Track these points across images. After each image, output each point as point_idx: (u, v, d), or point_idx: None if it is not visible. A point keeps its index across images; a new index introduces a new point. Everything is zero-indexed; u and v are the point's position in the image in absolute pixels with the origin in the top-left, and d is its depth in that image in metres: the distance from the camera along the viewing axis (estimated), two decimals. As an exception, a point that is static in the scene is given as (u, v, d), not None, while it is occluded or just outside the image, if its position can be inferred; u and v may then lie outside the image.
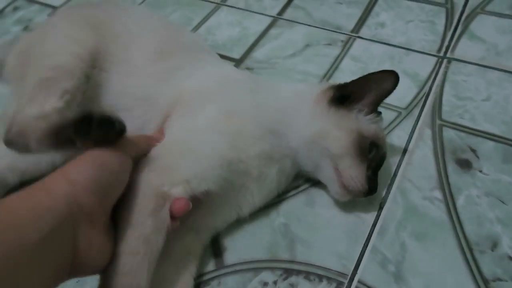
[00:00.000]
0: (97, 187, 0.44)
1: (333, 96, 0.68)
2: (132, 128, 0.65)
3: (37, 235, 0.37)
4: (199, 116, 0.63)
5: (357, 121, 0.68)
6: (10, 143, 0.63)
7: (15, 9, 1.25)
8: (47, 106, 0.62)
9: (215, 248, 0.68)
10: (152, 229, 0.50)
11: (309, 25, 1.10)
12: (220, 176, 0.58)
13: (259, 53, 1.03)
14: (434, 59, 0.97)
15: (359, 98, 0.68)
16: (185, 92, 0.67)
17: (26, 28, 1.18)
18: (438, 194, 0.72)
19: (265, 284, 0.63)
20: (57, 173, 0.44)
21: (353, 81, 0.69)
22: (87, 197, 0.43)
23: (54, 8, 1.24)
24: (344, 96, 0.68)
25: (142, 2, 1.24)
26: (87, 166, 0.45)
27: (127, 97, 0.70)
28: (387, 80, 0.68)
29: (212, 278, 0.64)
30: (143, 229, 0.50)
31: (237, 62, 1.01)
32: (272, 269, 0.65)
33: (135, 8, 1.02)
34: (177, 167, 0.56)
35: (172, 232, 0.54)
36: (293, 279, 0.64)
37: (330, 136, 0.66)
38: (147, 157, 0.56)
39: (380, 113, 0.71)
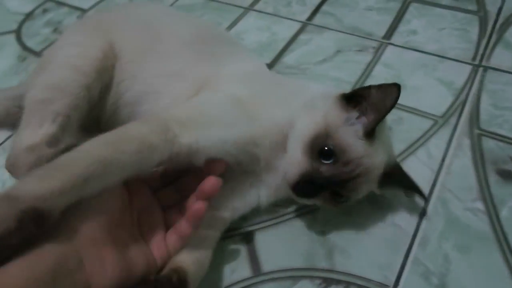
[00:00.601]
0: None
1: (345, 94, 0.63)
2: (159, 108, 0.68)
3: None
4: (226, 91, 0.64)
5: (339, 119, 0.61)
6: (9, 171, 0.63)
7: (45, 11, 1.25)
8: (38, 134, 0.59)
9: (252, 254, 0.66)
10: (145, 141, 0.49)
11: (339, 31, 1.09)
12: (229, 151, 0.58)
13: (289, 59, 1.02)
14: (469, 68, 0.95)
15: (361, 103, 0.61)
16: (217, 76, 0.68)
17: (55, 30, 1.18)
18: (480, 205, 0.70)
19: (304, 293, 0.62)
20: None
21: (360, 87, 0.63)
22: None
23: (83, 10, 1.25)
24: (350, 98, 0.63)
25: (171, 5, 1.24)
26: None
27: (158, 80, 0.70)
28: (388, 91, 0.59)
29: (249, 286, 0.63)
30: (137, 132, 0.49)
31: (267, 67, 1.00)
32: (311, 278, 0.63)
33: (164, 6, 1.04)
34: (194, 125, 0.55)
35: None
36: (332, 289, 0.62)
37: (308, 115, 0.62)
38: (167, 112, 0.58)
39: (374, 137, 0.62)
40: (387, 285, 0.62)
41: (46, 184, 0.40)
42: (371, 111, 0.60)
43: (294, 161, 0.61)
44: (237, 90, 0.65)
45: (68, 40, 0.74)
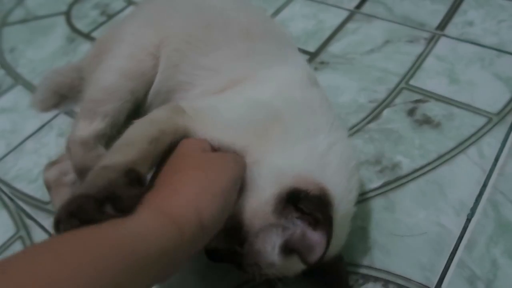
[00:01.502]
0: (221, 214, 0.45)
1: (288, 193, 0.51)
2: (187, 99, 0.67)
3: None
4: (247, 95, 0.61)
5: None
6: (65, 150, 0.70)
7: (94, -6, 1.28)
8: (89, 129, 0.67)
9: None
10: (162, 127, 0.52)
11: (389, 21, 1.05)
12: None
13: (335, 47, 0.99)
14: (530, 63, 0.89)
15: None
16: (252, 77, 0.64)
17: (103, 13, 1.21)
18: (535, 210, 0.65)
19: (341, 288, 0.60)
20: (183, 202, 0.43)
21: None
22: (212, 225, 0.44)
23: (131, -6, 1.26)
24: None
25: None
26: (212, 195, 0.45)
27: (196, 72, 0.68)
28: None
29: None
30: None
31: (312, 56, 0.98)
32: (349, 273, 0.61)
33: None
34: (199, 118, 0.56)
35: None
36: (370, 285, 0.60)
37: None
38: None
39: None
40: (428, 287, 0.59)
41: (127, 155, 0.47)
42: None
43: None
44: (260, 96, 0.60)
45: (120, 36, 0.74)
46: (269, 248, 0.51)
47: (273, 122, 0.56)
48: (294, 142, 0.55)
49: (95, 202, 0.39)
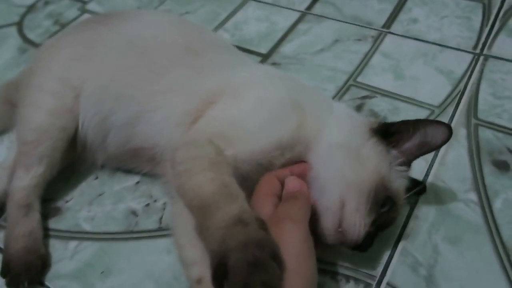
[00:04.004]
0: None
1: (378, 127, 0.61)
2: (155, 127, 0.67)
3: None
4: (252, 97, 0.63)
5: (388, 166, 0.58)
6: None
7: (46, 3, 1.27)
8: (27, 178, 0.69)
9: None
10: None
11: (338, 20, 1.08)
12: (258, 160, 0.59)
13: (286, 48, 1.01)
14: (470, 56, 0.93)
15: (401, 141, 0.59)
16: (233, 84, 0.65)
17: (56, 22, 1.19)
18: (473, 196, 0.69)
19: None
20: (278, 218, 0.50)
21: (402, 121, 0.60)
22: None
23: (83, 2, 1.25)
24: (387, 133, 0.60)
25: (170, -4, 1.24)
26: (301, 203, 0.52)
27: (152, 98, 0.67)
28: (437, 132, 0.58)
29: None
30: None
31: (264, 57, 1.00)
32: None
33: (149, 14, 0.94)
34: (234, 139, 0.58)
35: None
36: (319, 278, 0.62)
37: (358, 164, 0.57)
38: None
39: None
40: (374, 276, 0.61)
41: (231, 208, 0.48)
42: (413, 149, 0.59)
43: (358, 220, 0.55)
44: (263, 94, 0.63)
45: (45, 71, 0.73)
46: (400, 184, 0.60)
47: (299, 110, 0.61)
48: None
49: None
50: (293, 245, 0.47)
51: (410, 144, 0.59)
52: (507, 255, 0.61)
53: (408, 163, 0.60)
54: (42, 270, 0.65)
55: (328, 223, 0.56)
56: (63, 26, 1.18)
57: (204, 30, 0.87)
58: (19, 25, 1.20)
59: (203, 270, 0.57)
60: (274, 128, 0.59)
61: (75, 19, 1.21)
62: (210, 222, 0.47)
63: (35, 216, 0.68)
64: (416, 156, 0.60)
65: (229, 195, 0.49)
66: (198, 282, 0.57)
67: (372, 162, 0.57)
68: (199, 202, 0.50)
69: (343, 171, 0.57)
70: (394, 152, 0.59)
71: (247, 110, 0.61)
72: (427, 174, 0.72)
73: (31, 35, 1.15)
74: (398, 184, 0.59)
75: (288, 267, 0.44)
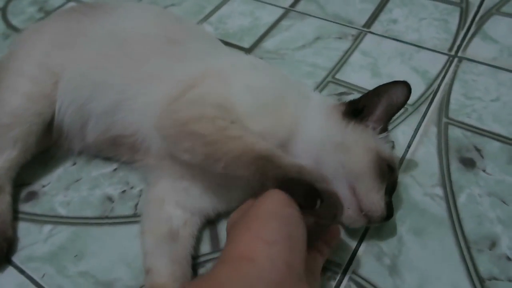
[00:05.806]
0: (292, 243, 0.44)
1: (346, 109, 0.65)
2: (136, 114, 0.67)
3: None
4: (240, 83, 0.64)
5: (374, 139, 0.64)
6: None
7: (31, -11, 1.26)
8: (1, 159, 0.69)
9: (212, 231, 0.68)
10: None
11: (320, 18, 1.10)
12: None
13: (269, 44, 1.03)
14: (445, 58, 0.96)
15: (371, 112, 0.65)
16: (218, 69, 0.66)
17: (40, 9, 1.19)
18: (439, 191, 0.71)
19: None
20: (247, 237, 0.44)
21: (364, 95, 0.66)
22: (292, 255, 0.43)
23: (69, -10, 1.25)
24: (357, 110, 0.65)
25: (156, -12, 1.24)
26: (277, 223, 0.45)
27: (132, 85, 0.68)
28: (398, 91, 0.63)
29: (208, 260, 0.65)
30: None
31: (246, 52, 1.01)
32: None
33: (132, 6, 0.89)
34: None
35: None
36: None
37: (350, 151, 0.61)
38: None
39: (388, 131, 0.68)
40: (340, 264, 0.63)
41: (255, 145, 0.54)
42: (382, 114, 0.65)
43: (375, 197, 0.60)
44: (250, 81, 0.64)
45: (23, 59, 0.73)
46: (389, 148, 0.67)
47: (282, 100, 0.64)
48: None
49: None
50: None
51: (379, 111, 0.65)
52: (468, 247, 0.64)
53: (385, 128, 0.66)
54: (7, 253, 0.65)
55: (348, 211, 0.59)
56: (48, 13, 1.18)
57: (187, 22, 0.88)
58: (3, 10, 1.19)
59: (153, 260, 0.60)
60: (263, 115, 0.61)
61: (60, 6, 1.21)
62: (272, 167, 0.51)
63: (6, 198, 0.69)
64: (389, 119, 0.66)
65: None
66: (147, 272, 0.60)
67: (360, 144, 0.62)
68: (253, 154, 0.53)
69: (340, 164, 0.61)
70: (370, 124, 0.65)
71: (236, 94, 0.62)
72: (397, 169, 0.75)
73: (15, 21, 1.15)
74: (388, 149, 0.65)
75: None
